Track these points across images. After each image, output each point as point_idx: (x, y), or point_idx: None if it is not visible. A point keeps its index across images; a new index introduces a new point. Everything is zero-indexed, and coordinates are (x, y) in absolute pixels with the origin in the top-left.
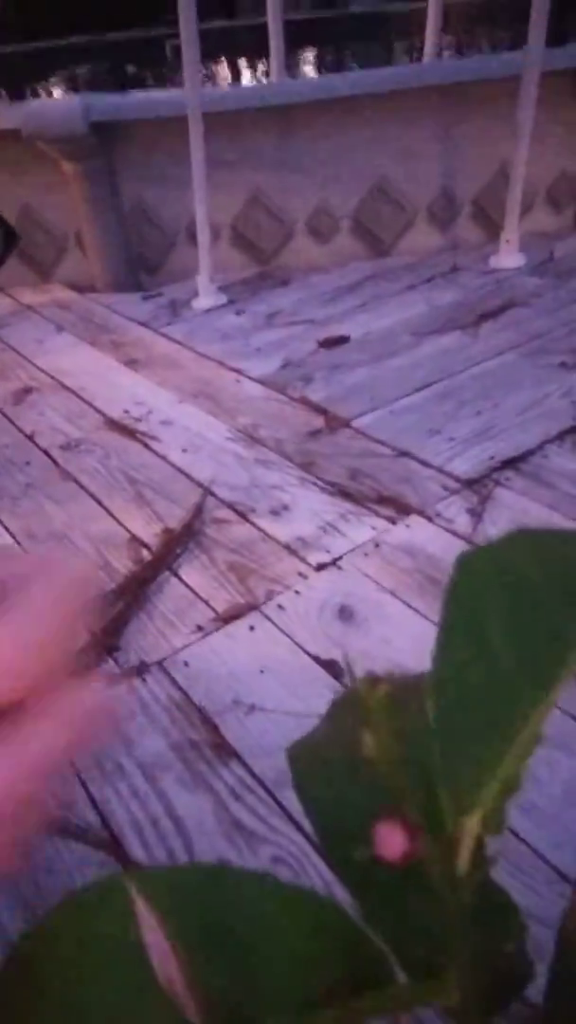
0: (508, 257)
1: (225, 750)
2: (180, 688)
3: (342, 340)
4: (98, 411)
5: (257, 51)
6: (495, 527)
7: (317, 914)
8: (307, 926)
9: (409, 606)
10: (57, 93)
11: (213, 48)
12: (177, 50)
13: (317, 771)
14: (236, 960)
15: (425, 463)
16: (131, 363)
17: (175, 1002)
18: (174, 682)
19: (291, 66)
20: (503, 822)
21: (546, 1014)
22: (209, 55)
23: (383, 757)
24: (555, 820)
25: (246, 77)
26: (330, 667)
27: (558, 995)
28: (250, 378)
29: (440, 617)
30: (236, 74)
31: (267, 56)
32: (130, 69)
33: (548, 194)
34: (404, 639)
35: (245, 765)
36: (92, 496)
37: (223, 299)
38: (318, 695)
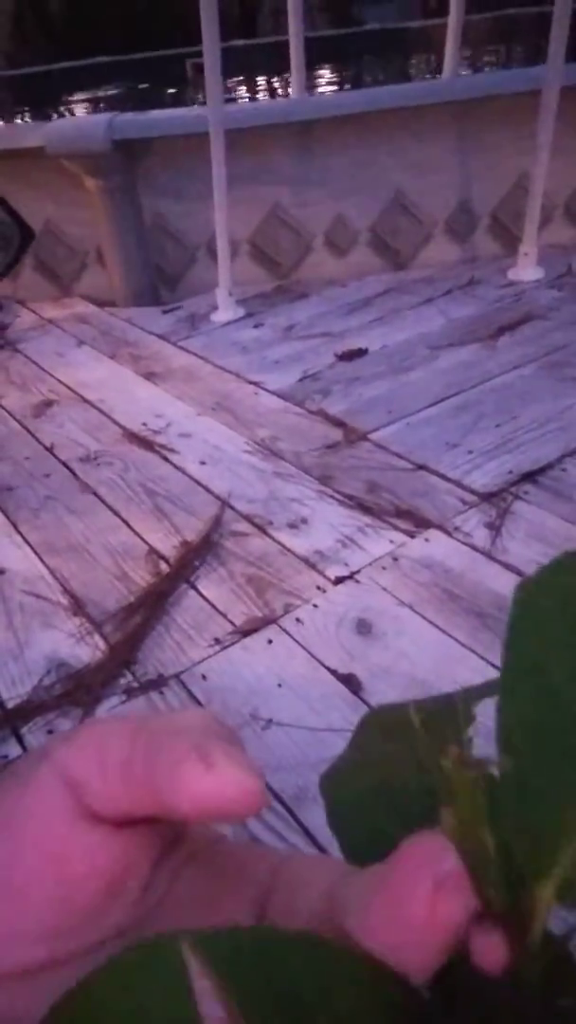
0: (526, 270)
1: None
2: (198, 701)
3: (360, 353)
4: (117, 424)
5: (276, 69)
6: (514, 541)
7: (375, 978)
8: (366, 993)
9: (427, 620)
10: (80, 111)
11: (233, 66)
12: (197, 68)
13: (352, 804)
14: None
15: (443, 476)
16: (150, 376)
17: None
18: (191, 695)
19: (310, 83)
20: None
21: None
22: (229, 73)
23: (467, 842)
24: None
25: (265, 94)
26: (348, 681)
27: None
28: (268, 391)
29: (501, 660)
30: (254, 91)
31: (285, 73)
32: (152, 87)
33: (566, 207)
34: (422, 653)
35: None
36: (111, 508)
37: (241, 312)
38: (336, 709)
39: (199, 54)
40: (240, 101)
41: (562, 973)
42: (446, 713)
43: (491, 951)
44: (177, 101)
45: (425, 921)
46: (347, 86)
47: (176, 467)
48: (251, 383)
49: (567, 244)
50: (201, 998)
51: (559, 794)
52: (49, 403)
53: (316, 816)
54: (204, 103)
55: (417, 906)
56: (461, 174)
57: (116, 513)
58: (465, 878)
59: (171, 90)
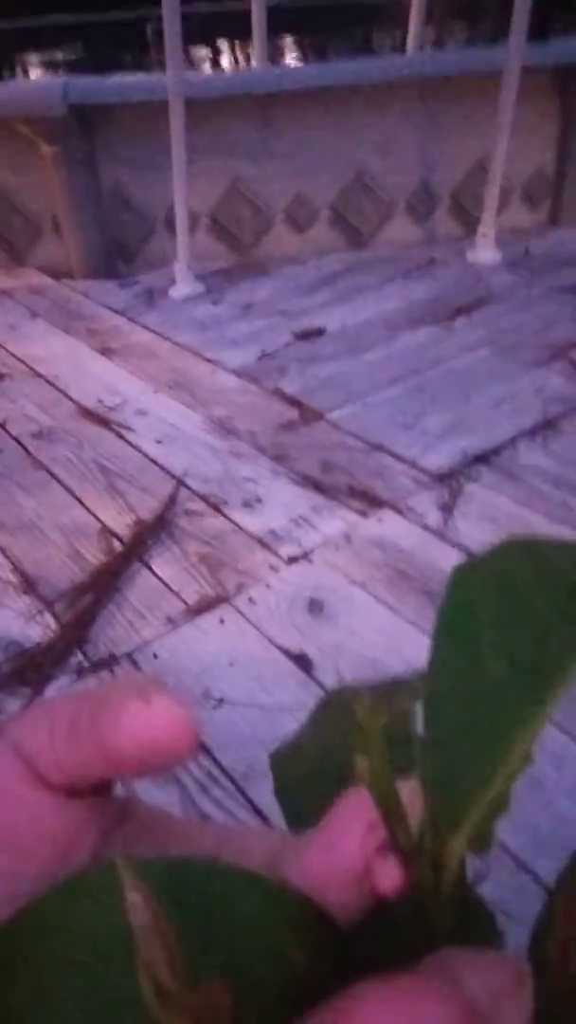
0: (484, 252)
1: None
2: None
3: (318, 332)
4: (72, 400)
5: (239, 36)
6: (465, 521)
7: (307, 917)
8: (298, 929)
9: (379, 599)
10: (35, 74)
11: (196, 31)
12: (159, 32)
13: (299, 778)
14: (222, 953)
15: (398, 457)
16: (106, 351)
17: (158, 985)
18: (143, 674)
19: (273, 53)
20: (491, 841)
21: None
22: (191, 39)
23: (377, 785)
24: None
25: (227, 62)
26: (299, 660)
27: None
28: (226, 369)
29: (433, 629)
30: (217, 59)
31: (249, 41)
32: (111, 51)
33: (524, 190)
34: (373, 632)
35: (213, 758)
36: (64, 485)
37: (200, 288)
38: (287, 688)
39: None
40: (203, 68)
41: (472, 913)
42: (404, 692)
43: (388, 876)
44: (137, 67)
45: (355, 858)
46: (309, 58)
47: (131, 445)
48: (209, 361)
49: (524, 227)
50: (132, 910)
51: (474, 756)
52: (0, 377)
53: (265, 793)
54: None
55: (349, 843)
56: (422, 154)
57: (69, 491)
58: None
59: (131, 55)
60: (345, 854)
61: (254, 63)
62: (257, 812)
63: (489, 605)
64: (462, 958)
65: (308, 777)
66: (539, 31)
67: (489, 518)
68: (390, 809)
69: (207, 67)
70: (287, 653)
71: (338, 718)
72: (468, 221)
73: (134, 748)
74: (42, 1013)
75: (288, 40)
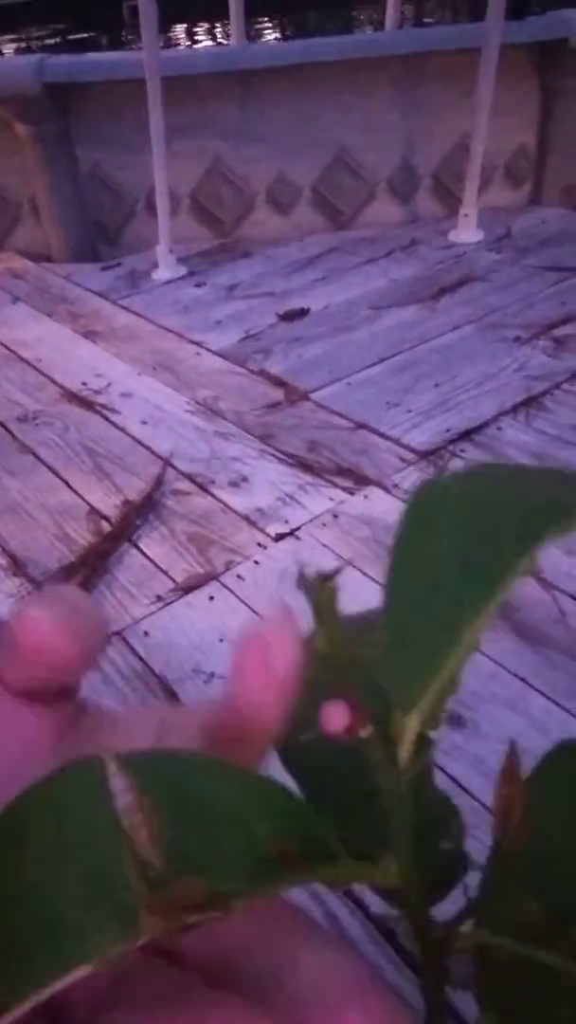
0: (466, 232)
1: None
2: (140, 658)
3: (302, 313)
4: (56, 383)
5: (217, 15)
6: None
7: (277, 799)
8: (267, 808)
9: (366, 575)
10: (8, 52)
11: (172, 10)
12: (134, 11)
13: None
14: (199, 829)
15: (383, 435)
16: (89, 334)
17: (143, 859)
18: (134, 651)
19: (251, 32)
20: (441, 719)
21: (478, 905)
22: (167, 18)
23: (334, 650)
24: None
25: (205, 41)
26: None
27: (488, 886)
28: (210, 351)
29: (395, 532)
30: (193, 37)
31: (226, 20)
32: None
33: (506, 169)
34: (360, 606)
35: None
36: (50, 468)
37: (183, 271)
38: None
39: None
40: (180, 46)
41: (432, 799)
42: (366, 625)
43: (336, 717)
44: (113, 46)
45: (265, 671)
46: (288, 36)
47: (117, 427)
48: (193, 343)
49: (506, 206)
50: (118, 795)
51: (428, 645)
52: None
53: None
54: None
55: (259, 672)
56: (404, 132)
57: (56, 473)
58: (295, 643)
59: (108, 34)
60: (251, 668)
61: (232, 40)
62: None
63: (450, 518)
64: None
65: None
66: (518, 9)
67: None
68: (341, 665)
69: (183, 45)
70: None
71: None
72: (450, 201)
73: (31, 654)
74: (50, 890)
75: (266, 21)
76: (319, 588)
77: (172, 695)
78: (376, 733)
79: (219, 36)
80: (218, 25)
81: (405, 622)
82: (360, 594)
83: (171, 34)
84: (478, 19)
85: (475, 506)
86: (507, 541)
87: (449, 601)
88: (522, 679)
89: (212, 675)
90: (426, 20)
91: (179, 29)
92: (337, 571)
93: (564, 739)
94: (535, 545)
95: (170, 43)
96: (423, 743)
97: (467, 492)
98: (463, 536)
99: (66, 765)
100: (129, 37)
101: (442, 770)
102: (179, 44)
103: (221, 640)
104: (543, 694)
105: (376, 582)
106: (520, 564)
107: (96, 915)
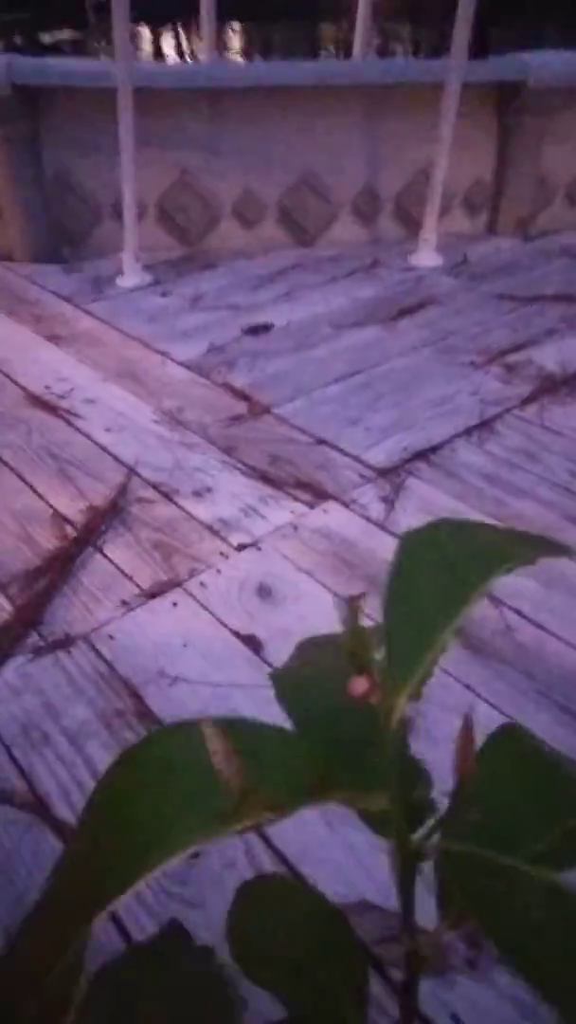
0: (426, 256)
1: (149, 718)
2: (105, 660)
3: (265, 328)
4: (19, 386)
5: (182, 17)
6: (406, 514)
7: (314, 750)
8: (304, 755)
9: (324, 585)
10: None
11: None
12: (97, 9)
13: (294, 685)
14: (262, 767)
15: (342, 451)
16: (53, 338)
17: (229, 786)
18: (99, 655)
19: (219, 42)
20: (420, 695)
21: (443, 821)
22: (134, 18)
23: (358, 646)
24: None
25: (170, 45)
26: (249, 641)
27: (448, 830)
28: (175, 361)
29: (388, 575)
30: (158, 42)
31: (193, 25)
32: (48, 30)
33: (465, 198)
34: (319, 616)
35: None
36: (14, 471)
37: (148, 279)
38: (237, 667)
39: None
40: (146, 49)
41: (409, 760)
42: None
43: (359, 687)
44: (77, 48)
45: None
46: (255, 48)
47: (81, 432)
48: (158, 352)
49: (464, 233)
50: (209, 739)
51: (414, 644)
52: None
53: None
54: (102, 49)
55: None
56: (369, 157)
57: (20, 476)
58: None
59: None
60: None
61: (202, 56)
62: None
63: (426, 559)
64: None
65: (302, 683)
66: (481, 46)
67: (427, 511)
68: (363, 655)
69: (148, 48)
70: (237, 635)
71: (309, 654)
72: (411, 225)
73: None
74: (159, 803)
75: (233, 29)
76: (348, 605)
77: (137, 697)
78: (380, 703)
79: (180, 39)
80: (181, 28)
81: (398, 632)
82: (319, 604)
83: (136, 36)
84: (441, 46)
85: (441, 553)
86: (468, 578)
87: (428, 620)
88: (468, 686)
89: (176, 678)
90: (390, 44)
91: (144, 31)
92: (362, 595)
93: (504, 723)
94: (488, 578)
95: (134, 43)
96: (406, 722)
97: (435, 542)
98: (435, 576)
99: (174, 724)
100: (93, 37)
101: None
102: (142, 45)
103: (184, 645)
104: (488, 702)
105: (333, 592)
106: (476, 594)
107: (203, 815)
